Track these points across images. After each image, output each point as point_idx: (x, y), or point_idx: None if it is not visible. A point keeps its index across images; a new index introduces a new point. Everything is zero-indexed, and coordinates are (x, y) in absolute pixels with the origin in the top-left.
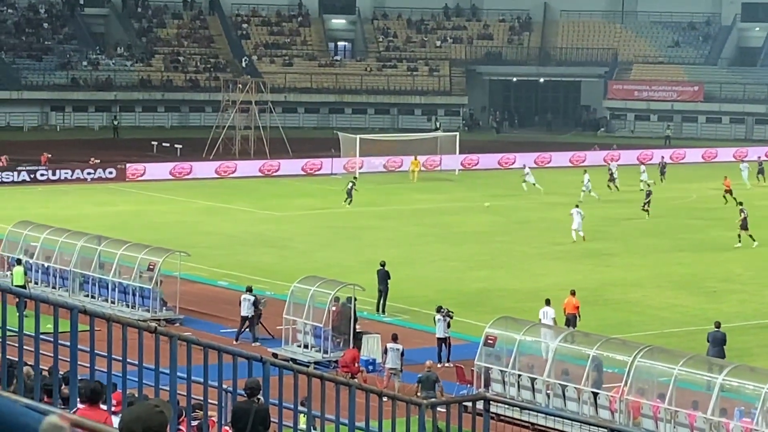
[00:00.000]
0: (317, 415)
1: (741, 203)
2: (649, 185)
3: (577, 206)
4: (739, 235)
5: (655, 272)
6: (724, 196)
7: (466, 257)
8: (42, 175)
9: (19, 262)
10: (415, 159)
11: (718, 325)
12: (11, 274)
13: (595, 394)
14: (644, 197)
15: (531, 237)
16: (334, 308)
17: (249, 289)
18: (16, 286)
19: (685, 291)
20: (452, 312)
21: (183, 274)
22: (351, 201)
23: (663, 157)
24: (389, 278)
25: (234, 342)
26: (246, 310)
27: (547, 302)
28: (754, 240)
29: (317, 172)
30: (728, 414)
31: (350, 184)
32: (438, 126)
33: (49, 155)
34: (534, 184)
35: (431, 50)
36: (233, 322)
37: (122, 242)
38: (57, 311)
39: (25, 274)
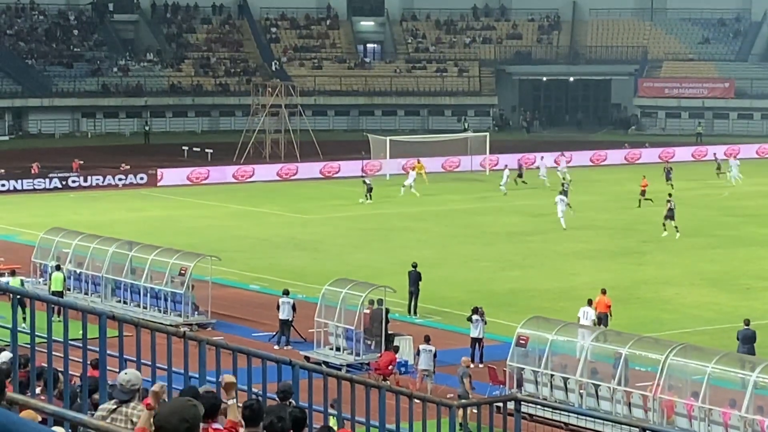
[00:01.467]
0: (347, 418)
1: (670, 194)
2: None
3: (561, 194)
4: (664, 224)
5: (688, 270)
6: (639, 198)
7: (497, 257)
8: (73, 181)
9: (58, 268)
10: (419, 162)
11: (747, 322)
12: (50, 279)
13: (628, 393)
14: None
15: (563, 236)
16: (366, 311)
17: (286, 292)
18: (54, 292)
19: (718, 288)
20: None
21: (214, 278)
22: (368, 200)
23: (667, 165)
24: (420, 279)
25: (275, 347)
26: (285, 314)
27: (589, 302)
28: (677, 231)
29: (348, 175)
30: (764, 412)
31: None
32: (467, 127)
33: (81, 162)
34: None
35: (460, 51)
36: (265, 326)
37: (153, 247)
38: (86, 317)
39: (65, 280)
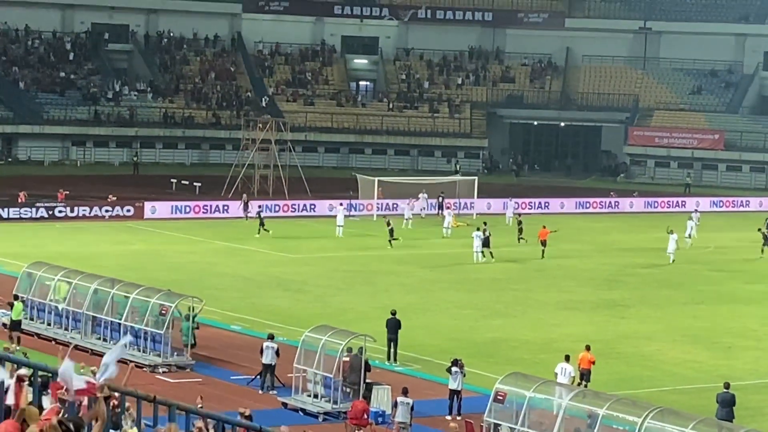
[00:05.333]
0: None
1: (485, 223)
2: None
3: (478, 229)
4: (483, 252)
5: (670, 325)
6: (543, 249)
7: (480, 305)
8: (60, 211)
9: (16, 297)
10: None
11: (727, 386)
12: (11, 309)
13: None
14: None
15: (547, 285)
16: (345, 358)
17: (271, 337)
18: (14, 321)
19: (699, 346)
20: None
21: (202, 319)
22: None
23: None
24: (400, 327)
25: (259, 392)
26: (268, 358)
27: (566, 358)
28: (492, 257)
29: (334, 213)
30: None
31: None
32: (458, 168)
33: (67, 192)
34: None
35: (452, 92)
36: (245, 369)
37: (136, 285)
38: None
39: (23, 311)
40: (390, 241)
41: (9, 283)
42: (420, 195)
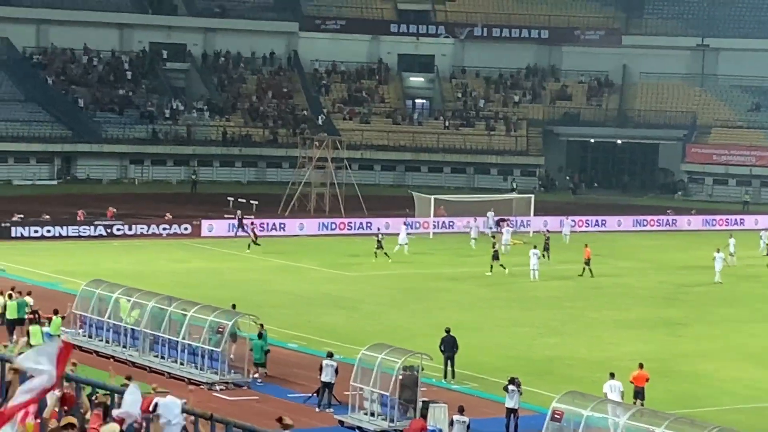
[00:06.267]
0: None
1: (493, 236)
2: None
3: (534, 247)
4: (491, 265)
5: (728, 344)
6: (584, 268)
7: (536, 323)
8: (118, 230)
9: (56, 312)
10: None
11: None
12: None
13: None
14: None
15: (603, 303)
16: (401, 376)
17: (330, 355)
18: (51, 336)
19: (757, 364)
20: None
21: (253, 335)
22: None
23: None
24: (456, 344)
25: (316, 409)
26: (327, 376)
27: (612, 375)
28: (504, 268)
29: (392, 231)
30: None
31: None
32: (515, 186)
33: (115, 210)
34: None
35: (509, 110)
36: (301, 387)
37: (193, 303)
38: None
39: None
40: (491, 266)
41: (67, 301)
42: (488, 213)
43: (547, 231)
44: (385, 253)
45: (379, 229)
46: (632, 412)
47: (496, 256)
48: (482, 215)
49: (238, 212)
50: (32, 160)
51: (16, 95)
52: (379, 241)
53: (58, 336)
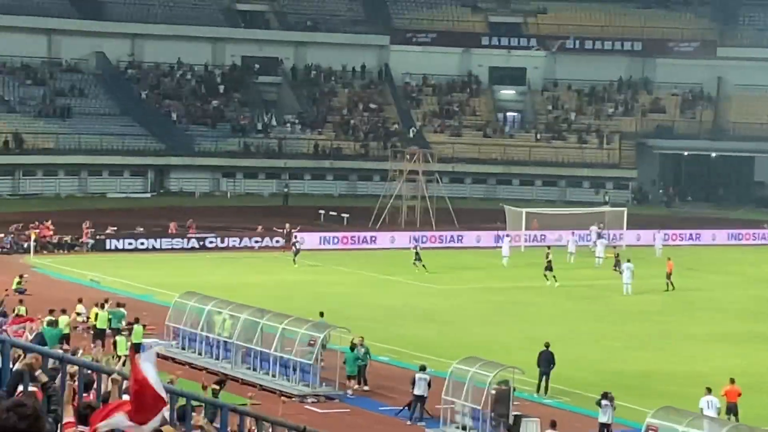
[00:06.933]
0: None
1: (549, 247)
2: None
3: (628, 261)
4: (545, 275)
5: None
6: (667, 282)
7: (627, 337)
8: (210, 242)
9: (136, 320)
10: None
11: None
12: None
13: None
14: None
15: (695, 317)
16: (493, 390)
17: (423, 368)
18: (133, 343)
19: None
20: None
21: (344, 348)
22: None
23: None
24: (553, 360)
25: (407, 422)
26: (420, 390)
27: (708, 390)
28: (556, 281)
29: (483, 245)
30: None
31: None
32: (607, 199)
33: (195, 223)
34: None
35: (601, 122)
36: (393, 400)
37: (284, 316)
38: None
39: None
40: (545, 275)
41: (161, 313)
42: (592, 227)
43: (615, 246)
44: (423, 265)
45: (416, 239)
46: (728, 428)
47: (549, 267)
48: (580, 229)
49: (287, 225)
50: (126, 173)
51: (110, 109)
52: (417, 253)
53: (139, 344)
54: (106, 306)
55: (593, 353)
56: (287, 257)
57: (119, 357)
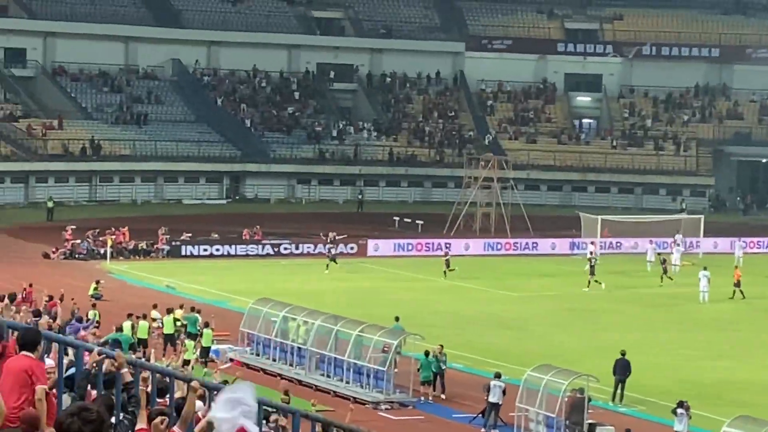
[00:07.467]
0: None
1: (591, 252)
2: None
3: (704, 269)
4: (594, 281)
5: None
6: (735, 290)
7: (704, 345)
8: (285, 249)
9: (206, 325)
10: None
11: None
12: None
13: None
14: None
15: None
16: (567, 398)
17: (498, 375)
18: (204, 348)
19: None
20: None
21: (417, 355)
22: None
23: None
24: (630, 368)
25: (482, 430)
26: (495, 397)
27: None
28: (599, 283)
29: (558, 252)
30: None
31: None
32: (684, 207)
33: (263, 229)
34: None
35: (678, 129)
36: (466, 407)
37: (359, 323)
38: None
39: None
40: (589, 280)
41: (236, 319)
42: (676, 236)
43: (660, 254)
44: (451, 270)
45: (448, 246)
46: None
47: (592, 272)
48: (656, 236)
49: (331, 234)
50: (202, 179)
51: (186, 116)
52: (447, 260)
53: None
54: (179, 311)
55: (669, 361)
56: (358, 264)
57: (186, 362)
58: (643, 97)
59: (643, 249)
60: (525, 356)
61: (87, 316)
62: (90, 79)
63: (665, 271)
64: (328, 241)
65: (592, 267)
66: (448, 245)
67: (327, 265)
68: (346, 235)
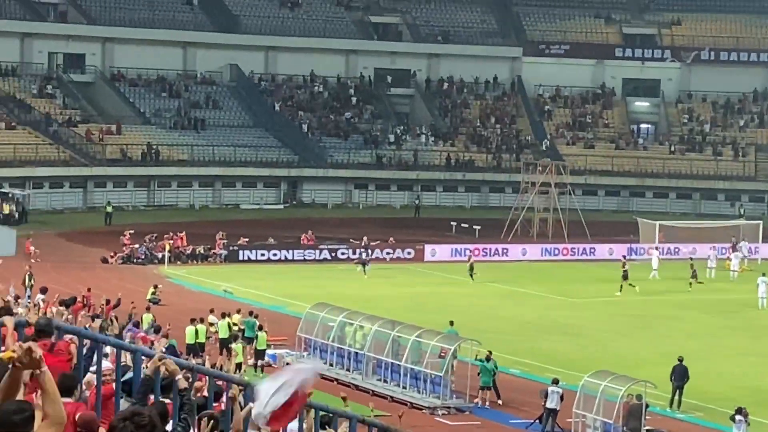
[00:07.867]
0: None
1: (624, 257)
2: None
3: (763, 275)
4: (623, 285)
5: None
6: None
7: (762, 352)
8: (342, 253)
9: (260, 328)
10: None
11: None
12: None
13: None
14: None
15: None
16: (624, 404)
17: (555, 381)
18: (258, 350)
19: None
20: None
21: (474, 361)
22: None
23: None
24: (687, 374)
25: None
26: (553, 403)
27: None
28: (634, 286)
29: (616, 257)
30: None
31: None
32: (743, 212)
33: (315, 234)
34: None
35: (736, 134)
36: (524, 413)
37: (415, 327)
38: None
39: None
40: (622, 285)
41: (293, 324)
42: (741, 243)
43: (691, 258)
44: (473, 274)
45: (471, 251)
46: None
47: (625, 276)
48: (722, 242)
49: (364, 239)
50: (259, 184)
51: (244, 121)
52: (471, 265)
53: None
54: (236, 316)
55: (727, 368)
56: (417, 269)
57: (237, 365)
58: (702, 102)
59: (704, 255)
60: (582, 362)
61: (141, 320)
62: (148, 84)
63: (694, 276)
64: (362, 245)
65: (625, 272)
66: (470, 250)
67: (364, 271)
68: (378, 241)
